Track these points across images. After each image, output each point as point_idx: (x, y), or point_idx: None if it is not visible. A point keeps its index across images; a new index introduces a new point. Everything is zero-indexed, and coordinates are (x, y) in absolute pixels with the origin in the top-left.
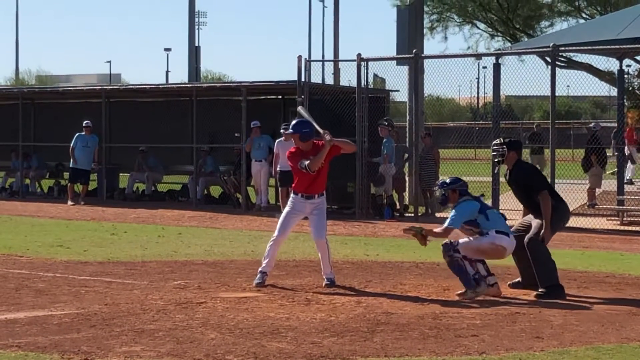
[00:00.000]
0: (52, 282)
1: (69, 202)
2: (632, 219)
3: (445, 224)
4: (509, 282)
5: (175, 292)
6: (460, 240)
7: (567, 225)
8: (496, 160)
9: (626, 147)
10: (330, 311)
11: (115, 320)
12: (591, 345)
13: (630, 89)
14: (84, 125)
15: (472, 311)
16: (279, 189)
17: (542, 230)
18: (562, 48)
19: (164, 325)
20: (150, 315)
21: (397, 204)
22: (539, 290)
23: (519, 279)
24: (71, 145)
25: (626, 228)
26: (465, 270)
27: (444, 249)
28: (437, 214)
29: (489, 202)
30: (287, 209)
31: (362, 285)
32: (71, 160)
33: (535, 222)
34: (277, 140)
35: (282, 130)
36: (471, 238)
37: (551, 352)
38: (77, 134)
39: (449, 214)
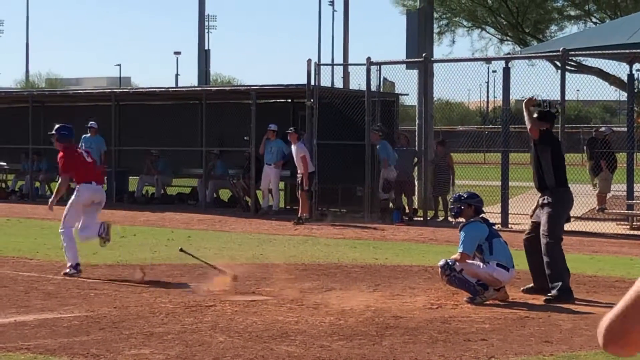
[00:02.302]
0: (62, 284)
1: None
2: None
3: (460, 250)
4: (522, 288)
5: (184, 295)
6: (459, 262)
7: (577, 230)
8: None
9: None
10: (339, 315)
11: (125, 323)
12: (600, 350)
13: None
14: (87, 126)
15: (482, 315)
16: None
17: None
18: (572, 52)
19: (173, 329)
20: (159, 319)
21: (407, 207)
22: (549, 294)
23: (532, 284)
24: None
25: (636, 232)
26: (466, 281)
27: (441, 271)
28: (450, 219)
29: (498, 207)
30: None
31: (371, 289)
32: None
33: (544, 216)
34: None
35: (287, 131)
36: (474, 263)
37: (560, 357)
38: (82, 137)
39: (459, 234)
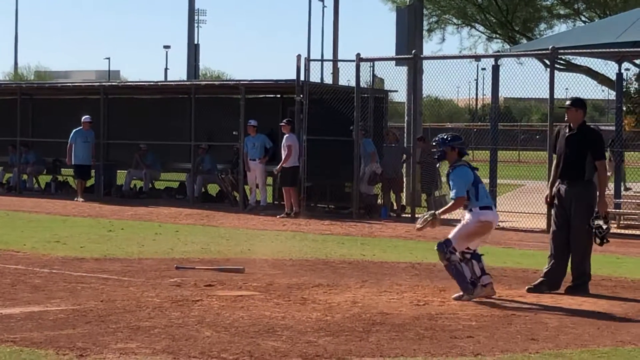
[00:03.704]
0: (48, 278)
1: (80, 199)
2: (628, 222)
3: (453, 195)
4: (527, 287)
5: (172, 289)
6: (450, 236)
7: None
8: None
9: None
10: (326, 311)
11: (111, 316)
12: (586, 348)
13: (632, 92)
14: (83, 120)
15: (468, 312)
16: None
17: (597, 203)
18: (561, 51)
19: (160, 323)
20: (146, 313)
21: (395, 204)
22: (571, 283)
23: (542, 279)
24: (69, 142)
25: (623, 231)
26: (463, 274)
27: (441, 251)
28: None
29: None
30: None
31: (358, 285)
32: (72, 158)
33: (577, 208)
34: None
35: (281, 124)
36: (457, 227)
37: (546, 355)
38: (74, 130)
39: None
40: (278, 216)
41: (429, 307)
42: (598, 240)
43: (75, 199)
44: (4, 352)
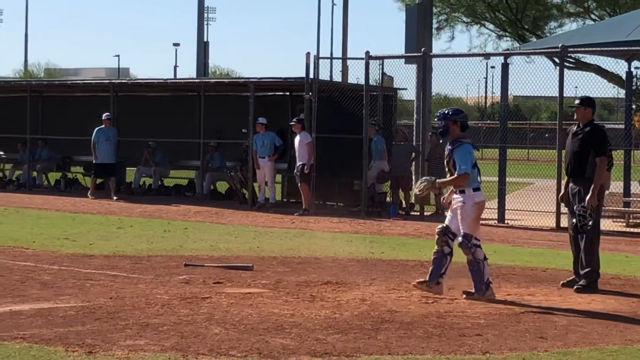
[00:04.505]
0: (58, 274)
1: (90, 196)
2: (637, 221)
3: (459, 170)
4: (562, 282)
5: (180, 286)
6: (464, 230)
7: None
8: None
9: None
10: (335, 308)
11: (120, 313)
12: (595, 346)
13: (639, 91)
14: (103, 118)
15: (477, 310)
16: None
17: (589, 196)
18: (571, 49)
19: (169, 320)
20: (154, 310)
21: (403, 202)
22: (579, 283)
23: (574, 276)
24: (92, 140)
25: (632, 230)
26: (482, 274)
27: (465, 247)
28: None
29: (495, 203)
30: None
31: (366, 282)
32: (93, 157)
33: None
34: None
35: (291, 123)
36: (461, 218)
37: (555, 353)
38: (96, 129)
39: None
40: (295, 214)
41: (438, 305)
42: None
43: (114, 197)
44: (13, 348)
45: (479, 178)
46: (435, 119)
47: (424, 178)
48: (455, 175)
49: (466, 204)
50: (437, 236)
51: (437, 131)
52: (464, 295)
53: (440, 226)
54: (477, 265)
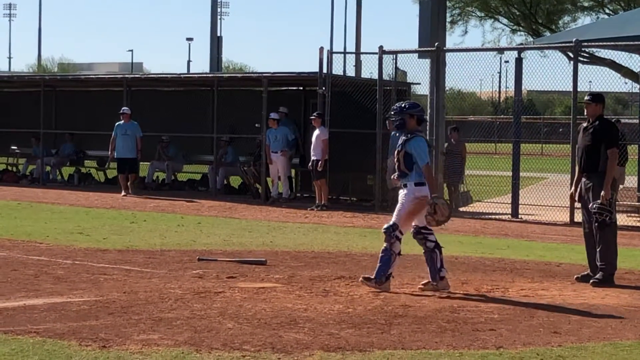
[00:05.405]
0: (71, 269)
1: (122, 193)
2: None
3: (421, 163)
4: (576, 276)
5: (194, 281)
6: (394, 220)
7: None
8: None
9: None
10: (348, 303)
11: (134, 308)
12: (609, 341)
13: None
14: (120, 112)
15: (490, 305)
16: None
17: (603, 191)
18: (585, 43)
19: (182, 314)
20: (168, 304)
21: None
22: (595, 277)
23: (588, 271)
24: (112, 135)
25: None
26: (389, 265)
27: (387, 234)
28: (461, 209)
29: (509, 198)
30: None
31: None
32: (109, 151)
33: (594, 198)
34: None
35: (311, 117)
36: (397, 209)
37: (569, 348)
38: (116, 124)
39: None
40: (309, 208)
41: (451, 300)
42: (596, 224)
43: (123, 194)
44: (27, 342)
45: (419, 176)
46: (392, 112)
47: (438, 202)
48: (422, 170)
49: (407, 196)
50: (415, 239)
51: (394, 124)
52: (361, 279)
53: (411, 230)
54: (388, 256)
